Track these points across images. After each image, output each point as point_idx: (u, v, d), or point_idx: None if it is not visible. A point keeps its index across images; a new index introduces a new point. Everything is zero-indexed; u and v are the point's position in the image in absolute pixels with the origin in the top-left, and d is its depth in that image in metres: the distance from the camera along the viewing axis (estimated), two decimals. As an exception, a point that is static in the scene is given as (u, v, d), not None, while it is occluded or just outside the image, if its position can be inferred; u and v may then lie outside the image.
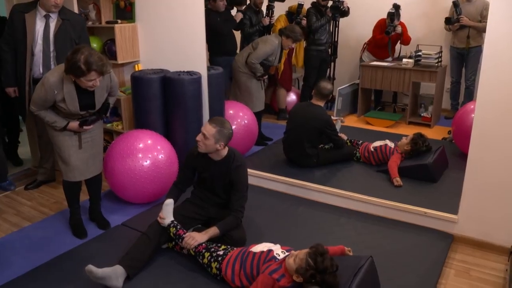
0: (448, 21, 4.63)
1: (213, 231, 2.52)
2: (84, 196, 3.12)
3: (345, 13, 5.14)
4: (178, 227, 2.53)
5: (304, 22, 5.02)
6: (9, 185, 3.58)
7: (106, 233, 2.92)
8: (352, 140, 3.97)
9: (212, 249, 2.41)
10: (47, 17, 3.17)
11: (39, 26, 3.16)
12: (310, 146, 3.72)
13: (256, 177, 3.57)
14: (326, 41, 5.22)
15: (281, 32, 4.29)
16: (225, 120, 2.62)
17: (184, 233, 2.51)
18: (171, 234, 2.53)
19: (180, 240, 2.50)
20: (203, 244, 2.44)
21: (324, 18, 5.06)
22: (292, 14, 5.06)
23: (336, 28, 5.38)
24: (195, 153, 2.71)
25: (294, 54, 5.33)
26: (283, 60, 4.98)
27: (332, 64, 5.51)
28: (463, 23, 4.57)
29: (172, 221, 2.55)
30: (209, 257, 2.38)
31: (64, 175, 2.82)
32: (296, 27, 4.34)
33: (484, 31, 2.50)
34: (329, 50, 5.38)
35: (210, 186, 2.74)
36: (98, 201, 3.08)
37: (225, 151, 2.65)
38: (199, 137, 2.56)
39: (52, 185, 3.74)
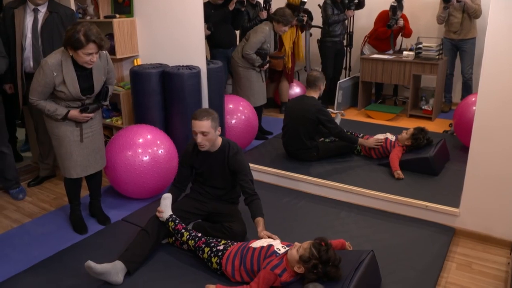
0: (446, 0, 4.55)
1: (262, 221, 2.47)
2: (84, 192, 3.11)
3: (360, 4, 5.09)
4: (177, 221, 2.52)
5: (305, 19, 4.97)
6: (18, 193, 3.43)
7: (106, 229, 2.91)
8: (353, 133, 3.94)
9: (212, 244, 2.40)
10: (35, 10, 3.16)
11: (28, 20, 3.16)
12: (309, 139, 3.70)
13: (256, 171, 3.55)
14: (341, 32, 5.19)
15: (271, 18, 4.24)
16: (206, 108, 2.62)
17: (183, 228, 2.50)
18: (170, 228, 2.52)
19: (179, 235, 2.49)
20: (203, 239, 2.43)
21: (342, 15, 5.04)
22: (292, 7, 5.00)
23: (351, 18, 5.31)
24: (189, 150, 2.71)
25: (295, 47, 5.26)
26: (289, 54, 4.93)
27: (348, 54, 5.45)
28: None
29: (171, 215, 2.53)
30: (209, 252, 2.36)
31: (66, 172, 2.79)
32: (286, 10, 4.27)
33: (476, 17, 2.45)
34: (344, 41, 5.34)
35: (208, 180, 2.73)
36: (98, 196, 3.07)
37: (219, 141, 2.64)
38: (199, 139, 2.52)
39: (52, 180, 3.73)
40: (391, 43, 5.21)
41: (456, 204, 2.86)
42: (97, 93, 2.69)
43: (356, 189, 3.18)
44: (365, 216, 2.99)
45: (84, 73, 2.57)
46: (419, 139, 3.56)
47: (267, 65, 4.31)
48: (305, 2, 4.91)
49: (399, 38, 5.31)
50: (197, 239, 2.44)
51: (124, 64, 4.00)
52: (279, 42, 4.67)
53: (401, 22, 5.00)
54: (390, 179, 3.39)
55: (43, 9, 3.16)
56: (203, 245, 2.40)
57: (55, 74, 2.50)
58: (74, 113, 2.64)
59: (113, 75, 2.82)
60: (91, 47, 2.43)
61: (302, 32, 5.08)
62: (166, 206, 2.56)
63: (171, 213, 2.55)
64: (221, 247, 2.37)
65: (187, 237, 2.46)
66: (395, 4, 4.94)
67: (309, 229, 2.81)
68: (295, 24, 4.85)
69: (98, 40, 2.43)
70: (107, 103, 2.81)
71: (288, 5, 4.96)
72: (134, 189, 3.19)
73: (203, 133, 2.50)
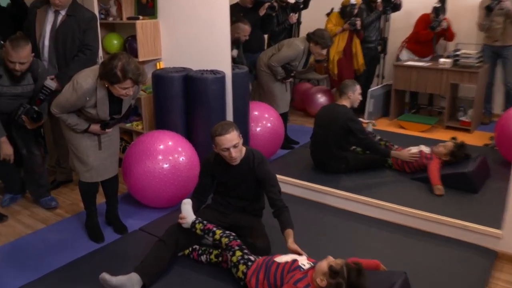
0: (488, 8, 4.44)
1: (291, 233, 2.44)
2: (100, 199, 3.12)
3: (397, 6, 5.01)
4: (205, 222, 2.49)
5: (358, 23, 4.90)
6: (51, 200, 3.40)
7: (123, 238, 2.92)
8: (387, 144, 3.86)
9: (245, 251, 2.36)
10: (56, 13, 3.21)
11: (49, 21, 3.21)
12: (338, 149, 3.65)
13: (282, 183, 3.42)
14: (376, 38, 5.13)
15: (308, 38, 4.19)
16: (222, 121, 2.61)
17: (214, 226, 2.47)
18: (198, 231, 2.48)
19: (210, 233, 2.44)
20: (238, 241, 2.39)
21: (373, 14, 4.97)
22: (344, 10, 4.93)
23: (387, 23, 5.24)
24: (211, 160, 2.69)
25: (352, 55, 5.16)
26: (335, 60, 4.86)
27: (382, 61, 5.39)
28: (504, 4, 4.33)
29: (196, 218, 2.51)
30: (239, 257, 2.32)
31: (80, 176, 2.83)
32: (325, 32, 4.23)
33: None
34: (379, 47, 5.27)
35: (231, 190, 2.71)
36: (115, 204, 3.08)
37: (243, 150, 2.62)
38: (233, 153, 2.49)
39: (69, 186, 3.76)
40: (434, 47, 5.09)
41: (498, 225, 2.73)
42: (123, 114, 2.77)
43: (388, 204, 3.10)
44: (397, 234, 2.91)
45: (114, 98, 2.62)
46: (458, 157, 3.46)
47: (290, 79, 4.29)
48: (354, 5, 4.83)
49: (441, 42, 5.17)
50: (232, 237, 2.40)
51: (147, 67, 3.99)
52: None
53: (444, 24, 4.90)
54: (424, 195, 3.30)
55: (63, 12, 3.22)
56: (237, 247, 2.36)
57: (87, 99, 2.54)
58: (95, 128, 2.69)
59: (139, 91, 2.85)
60: (128, 83, 2.46)
61: (359, 38, 5.00)
62: (187, 211, 2.53)
63: (194, 216, 2.52)
64: (252, 258, 2.34)
65: (221, 234, 2.42)
66: (439, 5, 4.85)
67: (336, 245, 2.76)
68: (347, 29, 4.81)
69: (135, 76, 2.45)
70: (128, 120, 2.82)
71: (342, 8, 4.87)
72: (153, 198, 3.18)
73: (235, 146, 2.48)
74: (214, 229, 2.45)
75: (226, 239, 2.39)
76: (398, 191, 3.36)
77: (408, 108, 5.40)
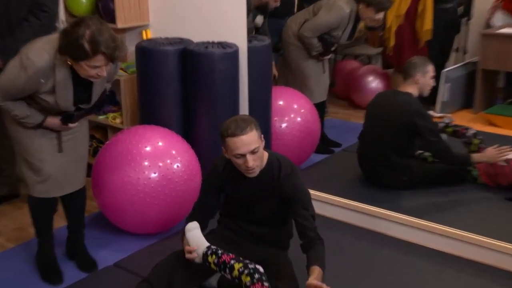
0: None
1: (318, 271, 2.40)
2: (60, 221, 3.13)
3: None
4: (219, 252, 2.46)
5: None
6: None
7: (90, 278, 2.93)
8: (480, 145, 3.78)
9: None
10: None
11: None
12: (397, 153, 3.66)
13: (317, 201, 3.41)
14: None
15: None
16: (237, 116, 2.62)
17: (232, 258, 2.43)
18: (212, 265, 2.45)
19: (227, 269, 2.41)
20: (266, 284, 2.34)
21: None
22: None
23: None
24: (219, 169, 2.69)
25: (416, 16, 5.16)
26: (392, 27, 4.85)
27: (464, 29, 5.40)
28: None
29: (209, 247, 2.48)
30: None
31: (31, 189, 2.82)
32: None
33: None
34: (459, 8, 5.26)
35: (247, 212, 2.73)
36: (81, 229, 3.09)
37: (265, 156, 2.59)
38: (251, 162, 2.45)
39: (14, 203, 3.79)
40: None
41: None
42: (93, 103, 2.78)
43: (471, 236, 3.06)
44: (486, 279, 2.86)
45: (82, 81, 2.61)
46: None
47: (330, 55, 4.32)
48: None
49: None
50: (256, 277, 2.33)
51: (129, 37, 4.04)
52: None
53: None
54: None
55: None
56: None
57: (43, 81, 2.53)
58: (53, 121, 2.68)
59: (117, 72, 2.86)
60: (99, 59, 2.45)
61: None
62: (197, 239, 2.52)
63: (207, 244, 2.50)
64: None
65: (240, 269, 2.37)
66: None
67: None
68: None
69: (110, 50, 2.43)
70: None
71: None
72: (134, 220, 3.20)
73: (254, 151, 2.44)
74: (232, 262, 2.42)
75: (248, 279, 2.34)
76: (486, 217, 3.35)
77: (502, 97, 5.40)
